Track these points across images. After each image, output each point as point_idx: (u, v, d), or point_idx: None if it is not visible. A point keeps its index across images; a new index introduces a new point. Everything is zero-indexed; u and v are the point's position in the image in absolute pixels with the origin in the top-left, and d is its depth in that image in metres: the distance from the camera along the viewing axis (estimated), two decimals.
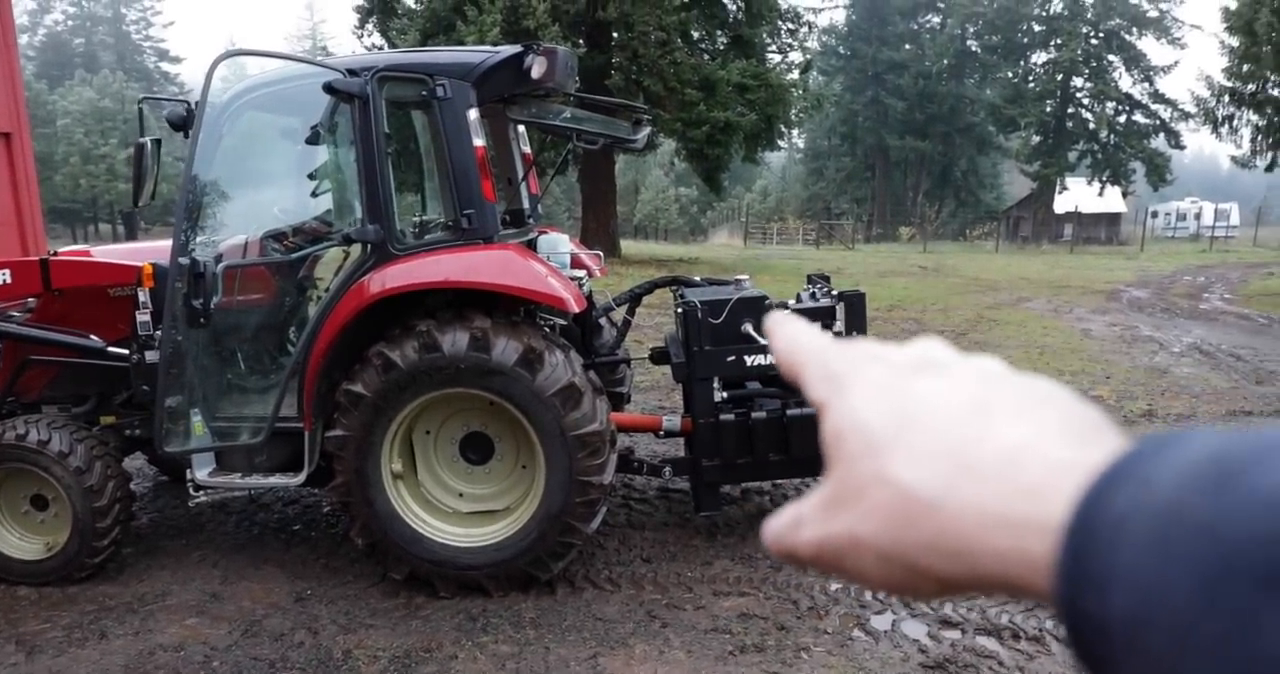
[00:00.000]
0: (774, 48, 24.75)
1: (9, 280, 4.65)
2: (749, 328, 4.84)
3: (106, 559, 4.60)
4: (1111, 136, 41.03)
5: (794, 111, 23.18)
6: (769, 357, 4.70)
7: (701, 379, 4.74)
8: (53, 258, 4.66)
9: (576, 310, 4.28)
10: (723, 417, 4.62)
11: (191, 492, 4.82)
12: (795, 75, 23.48)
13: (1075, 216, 40.41)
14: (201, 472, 4.55)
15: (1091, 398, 6.27)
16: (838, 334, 4.98)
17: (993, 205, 54.65)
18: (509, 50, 4.34)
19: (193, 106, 4.52)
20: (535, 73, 4.28)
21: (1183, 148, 41.32)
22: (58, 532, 4.61)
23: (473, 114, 4.26)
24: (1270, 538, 0.27)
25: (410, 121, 5.22)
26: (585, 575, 4.52)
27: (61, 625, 4.20)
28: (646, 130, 4.82)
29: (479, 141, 4.27)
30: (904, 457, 0.36)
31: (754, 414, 4.63)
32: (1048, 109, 41.98)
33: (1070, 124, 42.32)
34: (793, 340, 0.45)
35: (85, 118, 43.28)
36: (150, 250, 5.16)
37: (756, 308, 4.91)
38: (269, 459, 4.59)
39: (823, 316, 4.90)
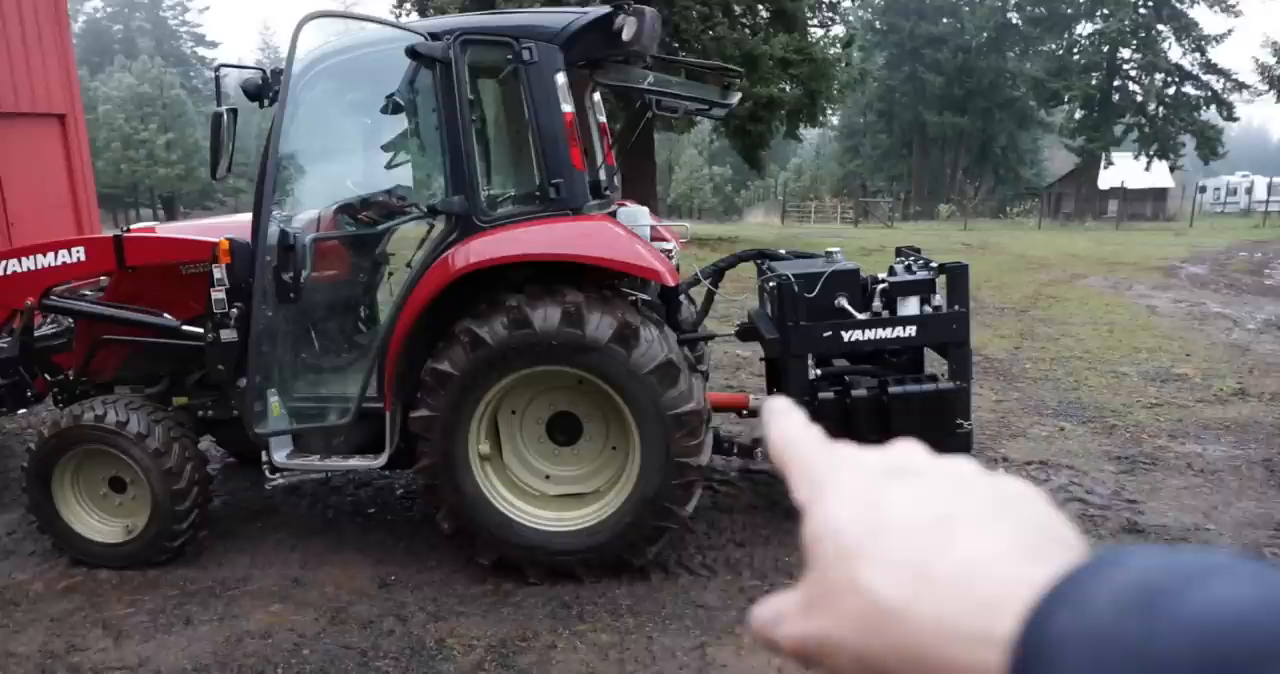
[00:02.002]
0: (815, 22, 24.21)
1: (83, 257, 4.53)
2: (844, 302, 4.61)
3: (185, 543, 4.50)
4: (1160, 109, 39.82)
5: (837, 86, 22.69)
6: (869, 331, 4.47)
7: (796, 356, 4.52)
8: (126, 234, 4.52)
9: (673, 284, 4.08)
10: (821, 395, 4.40)
11: (267, 474, 4.71)
12: (838, 49, 22.96)
13: (1120, 192, 39.37)
14: (279, 454, 4.42)
15: (1176, 376, 5.94)
16: (936, 309, 4.75)
17: (1033, 182, 53.44)
18: (597, 11, 4.12)
19: (268, 75, 4.35)
20: (626, 34, 4.05)
21: (1235, 119, 39.96)
22: (136, 514, 4.51)
23: (560, 78, 4.04)
24: (1196, 660, 0.28)
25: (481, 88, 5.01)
26: (678, 561, 4.34)
27: (146, 610, 4.11)
28: (737, 95, 4.57)
29: (567, 107, 4.06)
30: (872, 566, 0.38)
31: (854, 392, 4.40)
32: (1093, 82, 40.81)
33: (1117, 97, 41.12)
34: (785, 436, 0.47)
35: (125, 103, 43.64)
36: (216, 226, 5.03)
37: (851, 281, 4.68)
38: (347, 441, 4.45)
39: (921, 289, 4.66)
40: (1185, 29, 39.30)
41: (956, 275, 4.60)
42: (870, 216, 39.90)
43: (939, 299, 4.69)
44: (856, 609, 0.38)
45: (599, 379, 3.97)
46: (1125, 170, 42.70)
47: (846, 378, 4.57)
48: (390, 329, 4.13)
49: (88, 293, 4.94)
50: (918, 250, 5.25)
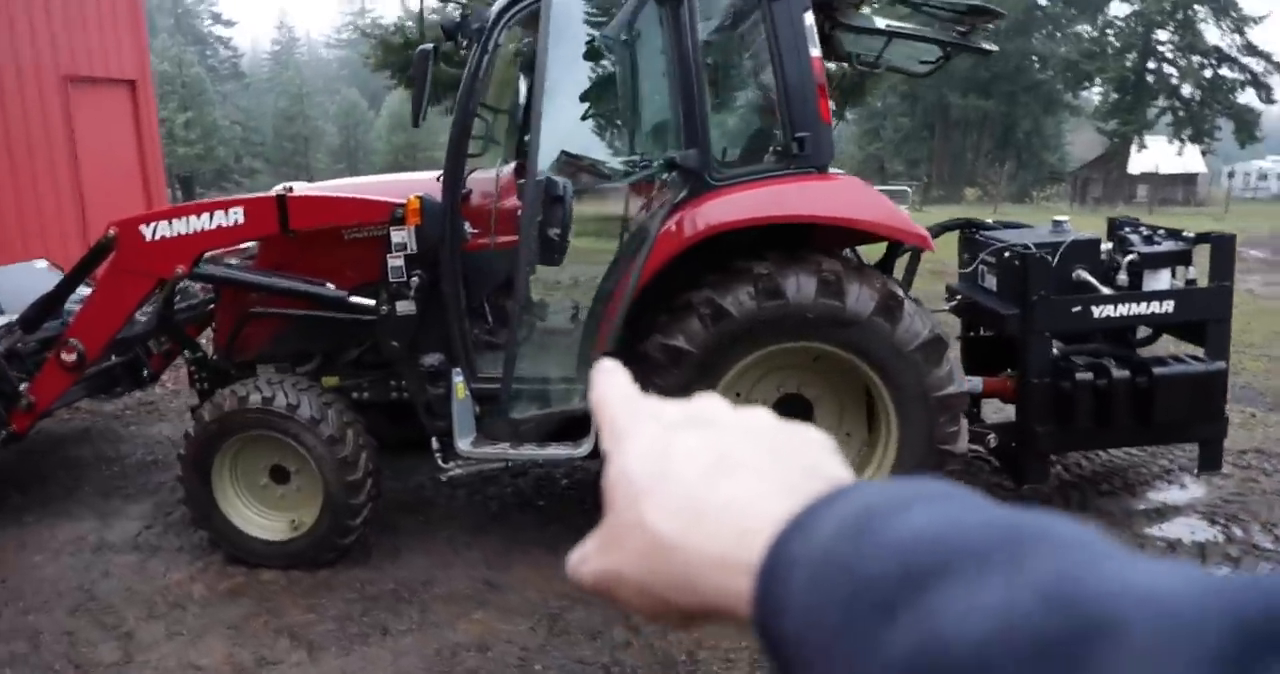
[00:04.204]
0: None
1: (241, 220, 4.02)
2: (1085, 274, 4.12)
3: (355, 540, 4.03)
4: (1196, 92, 39.03)
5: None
6: (1122, 306, 3.98)
7: (1039, 333, 4.03)
8: (290, 195, 4.02)
9: (933, 250, 3.59)
10: (1079, 377, 3.90)
11: (441, 463, 4.22)
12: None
13: (1152, 177, 38.65)
14: (464, 442, 3.94)
15: None
16: (1190, 282, 4.25)
17: (1056, 166, 52.67)
18: None
19: (468, 13, 3.84)
20: None
21: (1275, 102, 39.14)
22: (300, 508, 4.04)
23: (809, 18, 3.53)
24: (887, 574, 0.33)
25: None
26: None
27: (330, 617, 3.64)
28: (992, 46, 4.06)
29: (815, 52, 3.55)
30: (654, 506, 0.42)
31: (1115, 373, 3.91)
32: (1128, 63, 39.99)
33: (1151, 79, 40.32)
34: (601, 393, 0.50)
35: None
36: (358, 187, 4.52)
37: (1091, 252, 4.19)
38: (537, 427, 3.97)
39: (1176, 261, 4.17)
40: (1224, 10, 38.45)
41: (1222, 245, 4.09)
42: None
43: (1192, 271, 4.20)
44: (640, 545, 0.42)
45: (856, 357, 3.49)
46: (1155, 154, 42.00)
47: (1099, 358, 4.07)
48: (607, 299, 3.64)
49: (232, 262, 4.46)
50: (1136, 220, 4.76)
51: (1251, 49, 38.33)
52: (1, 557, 4.27)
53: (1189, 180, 46.81)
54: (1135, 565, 0.30)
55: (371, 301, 3.99)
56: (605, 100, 4.15)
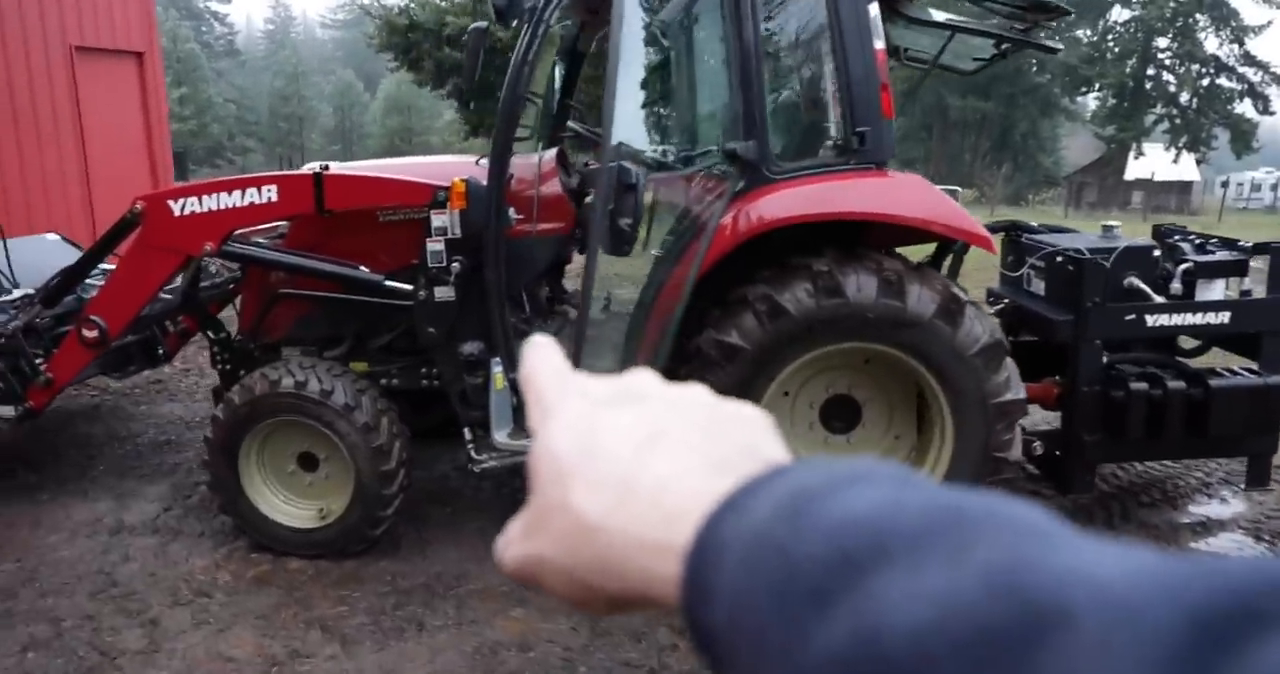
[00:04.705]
0: None
1: (275, 198, 3.89)
2: (1138, 281, 4.05)
3: (385, 531, 3.92)
4: (1194, 100, 39.16)
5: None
6: (1177, 316, 3.91)
7: (1090, 341, 3.96)
8: (327, 173, 3.89)
9: (995, 252, 3.51)
10: (1134, 386, 3.83)
11: (474, 455, 4.10)
12: None
13: (1147, 184, 38.79)
14: (500, 434, 3.83)
15: None
16: (1244, 294, 4.19)
17: (1050, 170, 52.83)
18: None
19: None
20: None
21: (1272, 113, 39.29)
22: (329, 496, 3.94)
23: (874, 9, 3.43)
24: (822, 558, 0.31)
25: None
26: None
27: (362, 609, 3.54)
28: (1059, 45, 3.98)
29: (879, 44, 3.45)
30: (579, 485, 0.40)
31: (1170, 384, 3.84)
32: (1127, 70, 40.08)
33: (1150, 85, 40.42)
34: (530, 368, 0.47)
35: None
36: (392, 168, 4.39)
37: (1144, 259, 4.11)
38: None
39: (1233, 271, 4.11)
40: (1225, 19, 38.57)
41: None
42: None
43: (1248, 282, 4.14)
44: (564, 527, 0.40)
45: (915, 359, 3.41)
46: (1150, 162, 42.15)
47: (1151, 368, 4.00)
48: (657, 291, 3.53)
49: (261, 241, 4.32)
50: (1184, 228, 4.69)
51: (1250, 59, 38.49)
52: (16, 535, 4.15)
53: (1184, 188, 47.04)
54: (1084, 551, 0.29)
55: (408, 286, 3.88)
56: (662, 88, 4.04)
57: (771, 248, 3.55)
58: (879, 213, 3.35)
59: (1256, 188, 47.58)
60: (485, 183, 3.64)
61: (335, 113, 54.58)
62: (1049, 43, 3.86)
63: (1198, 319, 3.97)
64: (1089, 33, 43.32)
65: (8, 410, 4.19)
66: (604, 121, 3.06)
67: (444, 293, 3.82)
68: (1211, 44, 39.35)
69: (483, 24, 3.48)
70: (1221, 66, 39.20)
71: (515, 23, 3.60)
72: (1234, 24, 38.51)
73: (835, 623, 0.30)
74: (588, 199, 3.52)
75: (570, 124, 4.35)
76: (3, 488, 4.64)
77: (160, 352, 5.10)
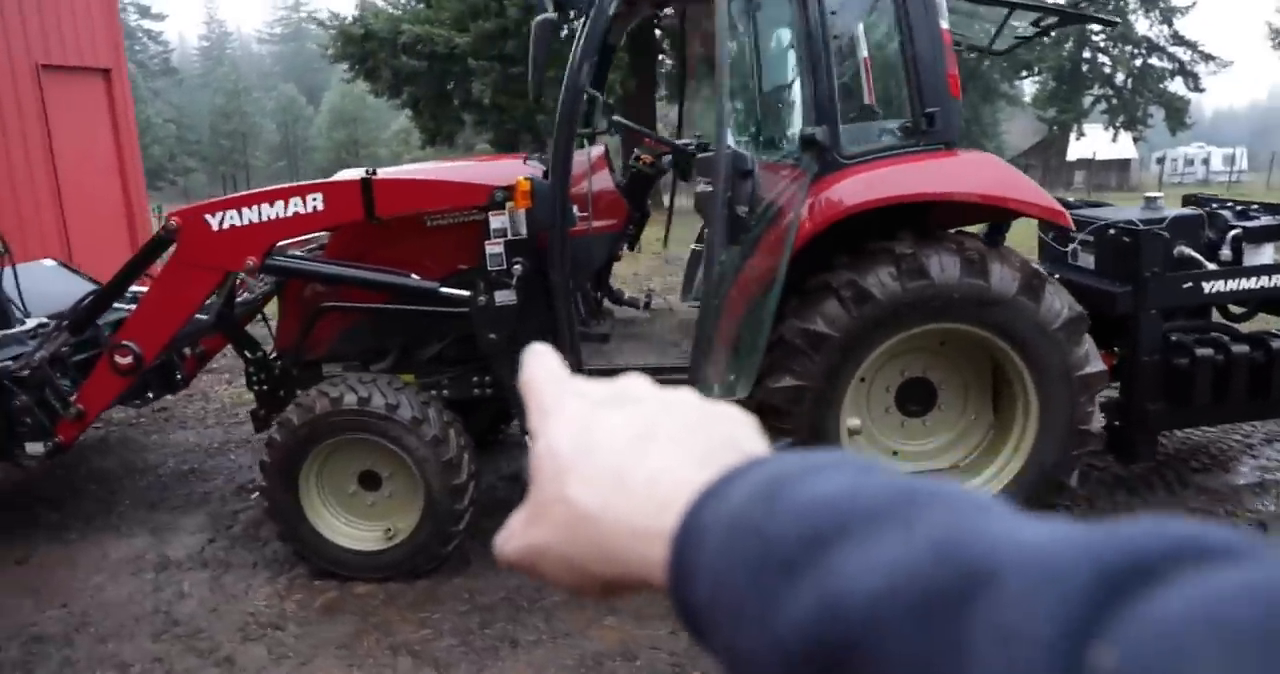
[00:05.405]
0: None
1: (321, 207, 3.72)
2: (1188, 250, 4.08)
3: (456, 547, 3.78)
4: (1129, 81, 40.26)
5: None
6: (1233, 281, 3.95)
7: (1149, 311, 3.97)
8: (376, 178, 3.73)
9: (1072, 228, 3.50)
10: (1199, 352, 3.85)
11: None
12: None
13: (1088, 163, 39.70)
14: None
15: None
16: None
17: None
18: None
19: None
20: None
21: (1202, 90, 40.54)
22: (394, 515, 3.78)
23: None
24: (791, 536, 0.34)
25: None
26: None
27: (447, 630, 3.40)
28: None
29: (945, 23, 3.42)
30: (577, 479, 0.43)
31: (1234, 348, 3.87)
32: (1064, 53, 41.06)
33: (1086, 68, 41.47)
34: (529, 373, 0.50)
35: None
36: (429, 172, 4.24)
37: (1193, 229, 4.15)
38: None
39: (1276, 236, 4.17)
40: (1153, 1, 39.72)
41: None
42: None
43: None
44: (562, 518, 0.43)
45: (999, 337, 3.37)
46: (1091, 141, 43.21)
47: (1215, 335, 4.04)
48: (733, 283, 3.44)
49: (298, 253, 4.15)
50: (1216, 197, 4.76)
51: (1179, 39, 39.69)
52: (54, 578, 3.91)
53: (1123, 166, 48.38)
54: (1016, 522, 0.32)
55: (466, 293, 3.74)
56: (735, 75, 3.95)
57: (837, 233, 3.49)
58: (966, 192, 3.31)
59: (1190, 163, 49.09)
60: (548, 181, 3.52)
61: (279, 128, 53.49)
62: (1108, 17, 3.85)
63: (1251, 284, 4.01)
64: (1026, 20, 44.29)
65: (37, 447, 3.95)
66: (718, 108, 2.96)
67: (505, 296, 3.70)
68: (1142, 25, 40.49)
69: (552, 15, 3.36)
70: (1153, 47, 40.34)
71: (574, 14, 3.50)
72: (1162, 5, 39.67)
73: (803, 593, 0.33)
74: (698, 188, 3.41)
75: (616, 118, 4.24)
76: (26, 529, 4.39)
77: (179, 377, 4.89)
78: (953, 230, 3.63)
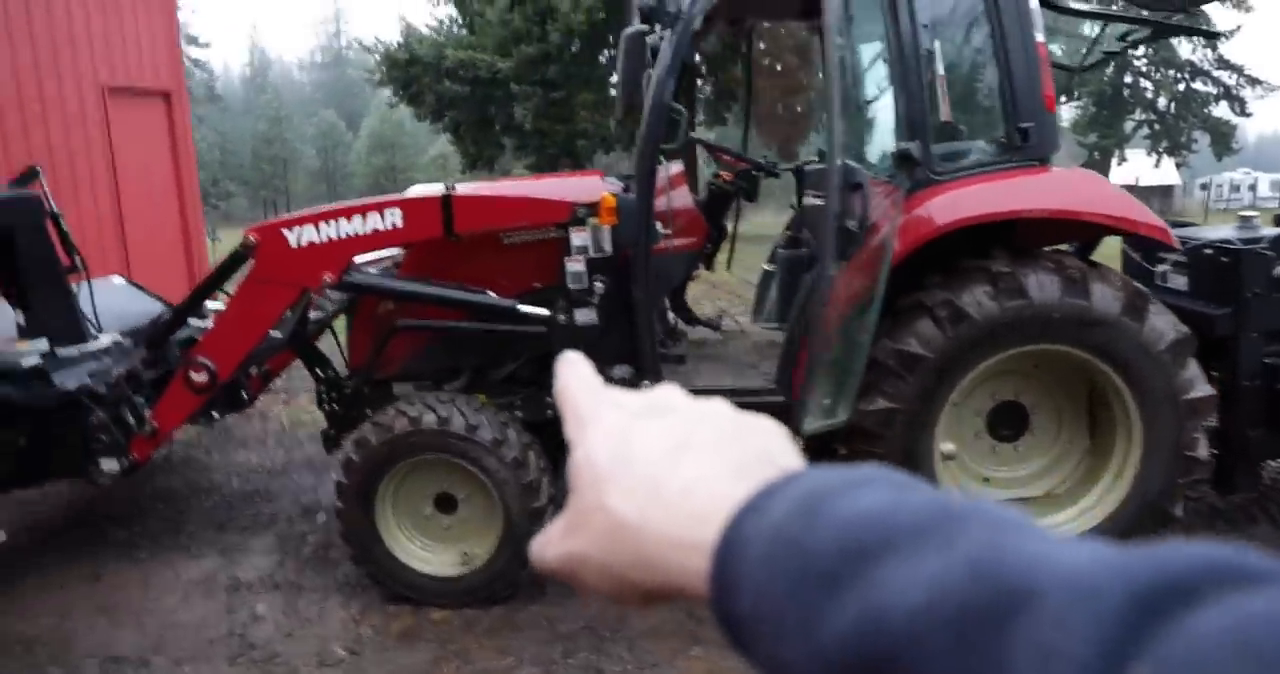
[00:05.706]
0: None
1: (400, 223, 3.69)
2: None
3: (535, 573, 3.69)
4: (1172, 105, 39.78)
5: None
6: None
7: (1250, 334, 3.82)
8: (455, 194, 3.70)
9: (1177, 247, 3.38)
10: None
11: None
12: None
13: (1131, 189, 39.29)
14: None
15: None
16: None
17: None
18: None
19: None
20: None
21: (1249, 115, 39.95)
22: (470, 539, 3.71)
23: (1034, 1, 3.32)
24: (833, 550, 0.35)
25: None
26: None
27: (528, 659, 3.31)
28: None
29: (1040, 36, 3.33)
30: (615, 489, 0.43)
31: None
32: (1105, 78, 40.70)
33: (1128, 93, 41.05)
34: (565, 383, 0.51)
35: None
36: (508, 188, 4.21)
37: None
38: None
39: None
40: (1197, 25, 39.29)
41: None
42: None
43: None
44: (601, 527, 0.43)
45: (1101, 359, 3.25)
46: (1133, 167, 42.67)
47: None
48: (824, 302, 3.35)
49: (370, 270, 4.12)
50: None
51: (1224, 63, 39.17)
52: (127, 598, 3.88)
53: (1165, 192, 47.67)
54: (1054, 542, 0.32)
55: (546, 311, 3.69)
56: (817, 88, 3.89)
57: (926, 252, 3.40)
58: (1070, 210, 3.21)
59: (1235, 188, 48.28)
60: (633, 198, 3.47)
61: (319, 154, 54.46)
62: (1209, 29, 3.75)
63: None
64: (1064, 44, 44.06)
65: (112, 464, 3.94)
66: (829, 122, 2.89)
67: (586, 316, 3.64)
68: (1185, 49, 40.03)
69: (643, 27, 3.31)
70: (1197, 71, 39.86)
71: (654, 24, 3.46)
72: (1206, 28, 39.21)
73: (845, 606, 0.33)
74: (806, 200, 3.34)
75: (694, 135, 4.19)
76: (95, 546, 4.38)
77: (245, 396, 4.87)
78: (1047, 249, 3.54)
